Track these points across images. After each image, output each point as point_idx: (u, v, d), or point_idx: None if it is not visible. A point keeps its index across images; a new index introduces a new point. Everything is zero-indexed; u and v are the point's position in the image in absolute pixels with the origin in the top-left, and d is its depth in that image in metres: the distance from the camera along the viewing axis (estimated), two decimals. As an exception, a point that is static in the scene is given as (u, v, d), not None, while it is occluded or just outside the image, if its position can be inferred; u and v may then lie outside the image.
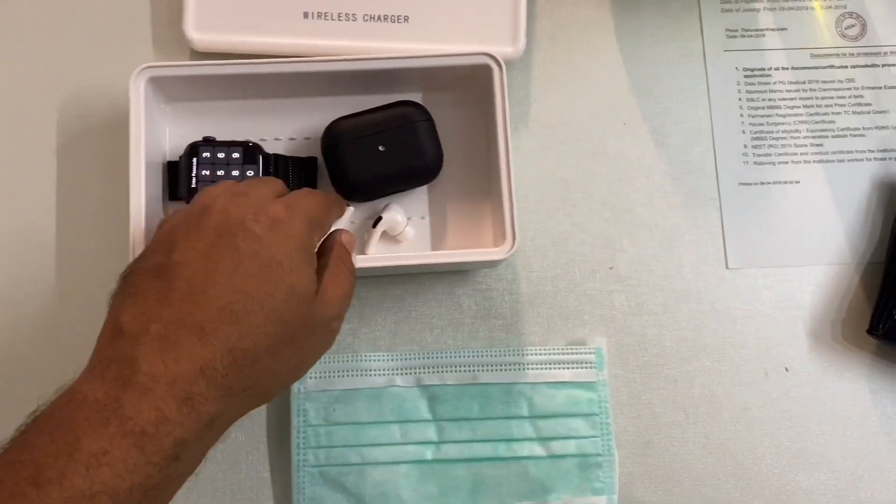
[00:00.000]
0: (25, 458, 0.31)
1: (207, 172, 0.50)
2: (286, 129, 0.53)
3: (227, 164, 0.50)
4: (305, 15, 0.53)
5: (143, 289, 0.36)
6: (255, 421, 0.51)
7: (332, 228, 0.45)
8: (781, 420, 0.53)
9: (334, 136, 0.51)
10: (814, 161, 0.56)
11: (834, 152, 0.56)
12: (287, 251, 0.38)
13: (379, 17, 0.54)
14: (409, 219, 0.53)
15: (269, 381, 0.38)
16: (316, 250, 0.42)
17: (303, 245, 0.39)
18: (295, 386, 0.50)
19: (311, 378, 0.51)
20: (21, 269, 0.52)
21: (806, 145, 0.56)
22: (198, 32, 0.53)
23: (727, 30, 0.58)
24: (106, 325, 0.36)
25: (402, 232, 0.52)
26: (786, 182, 0.56)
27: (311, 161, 0.53)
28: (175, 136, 0.52)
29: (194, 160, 0.50)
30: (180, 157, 0.51)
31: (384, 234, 0.52)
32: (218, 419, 0.36)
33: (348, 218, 0.52)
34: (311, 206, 0.41)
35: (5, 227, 0.53)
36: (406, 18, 0.54)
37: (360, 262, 0.50)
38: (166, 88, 0.51)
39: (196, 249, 0.37)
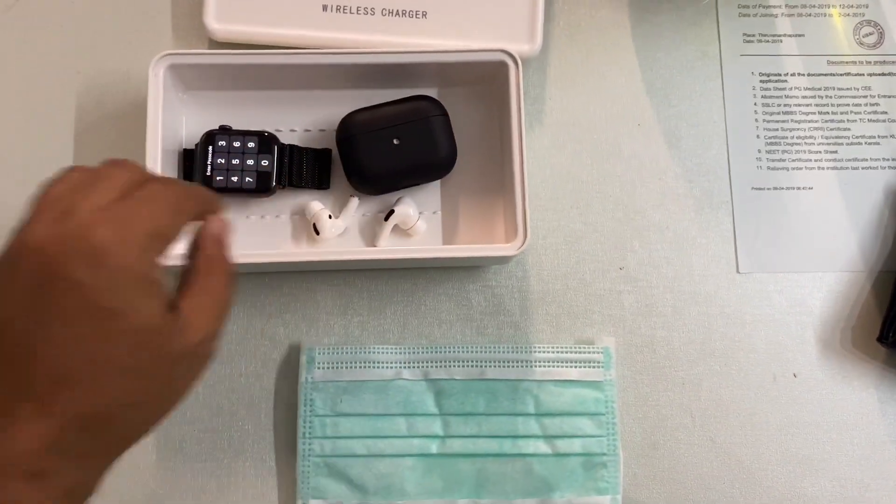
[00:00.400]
0: None
1: (223, 161, 0.50)
2: (302, 120, 0.54)
3: (243, 153, 0.51)
4: (324, 8, 0.54)
5: None
6: (262, 409, 0.52)
7: (201, 221, 0.38)
8: (789, 426, 0.52)
9: (349, 128, 0.51)
10: (828, 168, 0.56)
11: (848, 160, 0.56)
12: (119, 292, 0.31)
13: (397, 12, 0.54)
14: (420, 213, 0.53)
15: (135, 431, 0.34)
16: (180, 255, 0.37)
17: (138, 276, 0.32)
18: (302, 375, 0.51)
19: (318, 368, 0.51)
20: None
21: (820, 152, 0.56)
22: (217, 22, 0.53)
23: (744, 34, 0.58)
24: None
25: (414, 226, 0.53)
26: (799, 188, 0.56)
27: (325, 153, 0.53)
28: (192, 124, 0.53)
29: (210, 148, 0.50)
30: (196, 145, 0.51)
31: (396, 228, 0.53)
32: (79, 488, 0.32)
33: (355, 210, 0.52)
34: (151, 213, 0.33)
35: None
36: (424, 14, 0.54)
37: (371, 254, 0.50)
38: (185, 77, 0.51)
39: (17, 304, 0.31)
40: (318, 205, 0.52)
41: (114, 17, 0.56)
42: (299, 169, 0.52)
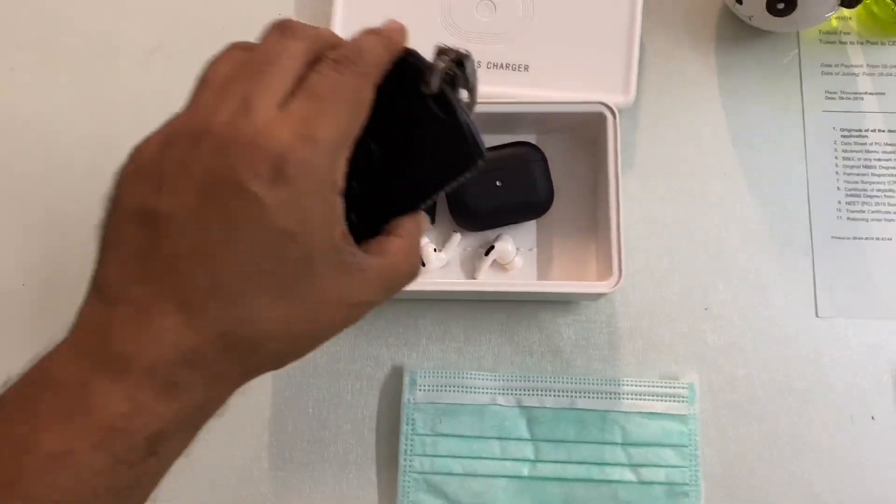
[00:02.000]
0: None
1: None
2: (411, 160, 0.58)
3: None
4: (437, 59, 0.58)
5: (125, 239, 0.29)
6: (366, 425, 0.56)
7: None
8: (866, 465, 0.55)
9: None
10: (906, 220, 0.59)
11: (927, 213, 0.59)
12: (298, 214, 0.28)
13: (502, 66, 0.59)
14: (518, 249, 0.57)
15: (273, 363, 0.31)
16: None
17: (321, 198, 0.29)
18: (405, 396, 0.55)
19: (420, 390, 0.55)
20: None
21: (900, 205, 0.59)
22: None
23: (826, 91, 0.61)
24: (92, 276, 0.30)
25: (512, 261, 0.57)
26: (878, 238, 0.58)
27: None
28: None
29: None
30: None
31: (494, 262, 0.57)
32: (207, 406, 0.30)
33: (458, 244, 0.57)
34: (336, 116, 0.29)
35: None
36: (526, 67, 0.59)
37: (471, 286, 0.54)
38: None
39: (185, 203, 0.28)
40: (423, 239, 0.57)
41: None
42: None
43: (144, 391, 0.27)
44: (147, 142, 0.30)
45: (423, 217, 0.34)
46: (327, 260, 0.29)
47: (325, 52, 0.31)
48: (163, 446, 0.29)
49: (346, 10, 0.59)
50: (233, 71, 0.30)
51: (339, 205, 0.30)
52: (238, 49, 0.31)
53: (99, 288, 0.29)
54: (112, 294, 0.28)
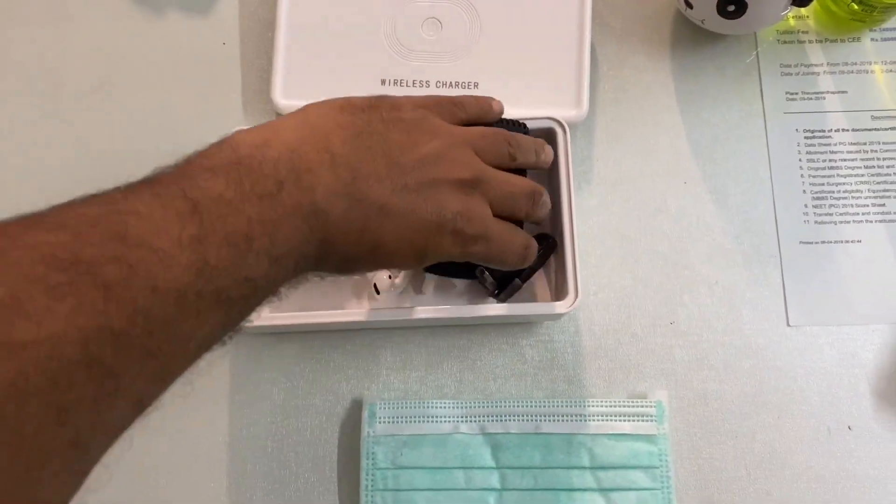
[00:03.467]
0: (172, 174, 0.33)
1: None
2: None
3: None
4: (383, 82, 0.57)
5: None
6: (327, 462, 0.54)
7: None
8: (845, 479, 0.52)
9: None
10: (876, 221, 0.57)
11: (897, 212, 0.57)
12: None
13: (451, 84, 0.57)
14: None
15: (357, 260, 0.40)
16: None
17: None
18: (364, 429, 0.53)
19: (380, 423, 0.53)
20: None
21: (867, 205, 0.57)
22: (284, 98, 0.57)
23: (787, 93, 0.59)
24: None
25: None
26: (847, 241, 0.56)
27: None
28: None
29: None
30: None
31: (443, 282, 0.55)
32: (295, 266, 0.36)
33: (412, 271, 0.55)
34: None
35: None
36: (476, 84, 0.57)
37: (427, 312, 0.53)
38: (254, 149, 0.55)
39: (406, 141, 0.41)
40: (378, 266, 0.55)
41: (190, 96, 0.61)
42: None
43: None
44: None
45: None
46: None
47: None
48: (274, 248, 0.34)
49: (290, 35, 0.58)
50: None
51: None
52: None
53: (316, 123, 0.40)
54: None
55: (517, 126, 0.51)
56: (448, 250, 0.41)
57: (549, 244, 0.53)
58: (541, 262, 0.53)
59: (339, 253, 0.38)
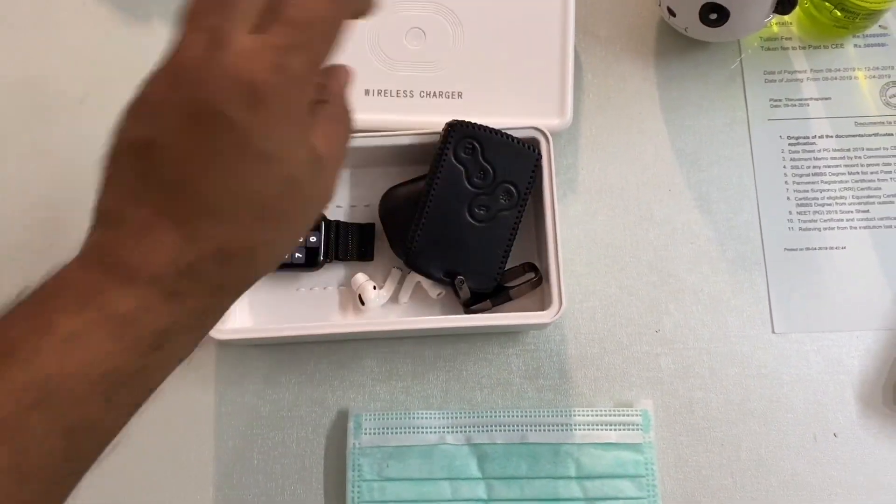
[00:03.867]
0: (1, 335, 0.30)
1: (274, 238, 0.54)
2: (347, 196, 0.57)
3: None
4: (367, 92, 0.57)
5: (122, 169, 0.32)
6: (313, 474, 0.54)
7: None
8: (831, 486, 0.53)
9: (391, 202, 0.55)
10: (860, 227, 0.57)
11: (881, 218, 0.57)
12: (274, 137, 0.31)
13: (434, 94, 0.57)
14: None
15: (265, 268, 0.34)
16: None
17: (294, 121, 0.31)
18: (350, 441, 0.53)
19: (366, 434, 0.53)
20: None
21: (852, 212, 0.57)
22: (268, 109, 0.57)
23: (771, 99, 0.59)
24: (93, 210, 0.33)
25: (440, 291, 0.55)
26: (832, 248, 0.57)
27: (368, 227, 0.56)
28: (245, 203, 0.56)
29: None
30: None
31: (422, 291, 0.55)
32: (210, 311, 0.33)
33: (398, 280, 0.55)
34: (308, 42, 0.31)
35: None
36: (460, 94, 0.57)
37: (412, 323, 0.53)
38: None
39: (174, 129, 0.31)
40: (362, 276, 0.55)
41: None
42: (345, 243, 0.55)
43: (151, 295, 0.30)
44: (144, 82, 0.32)
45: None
46: (302, 176, 0.32)
47: None
48: (168, 342, 0.31)
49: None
50: (208, 5, 0.31)
51: (309, 125, 0.32)
52: None
53: (101, 214, 0.32)
54: (114, 218, 0.31)
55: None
56: None
57: (535, 280, 0.54)
58: (519, 293, 0.54)
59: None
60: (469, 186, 0.52)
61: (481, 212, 0.52)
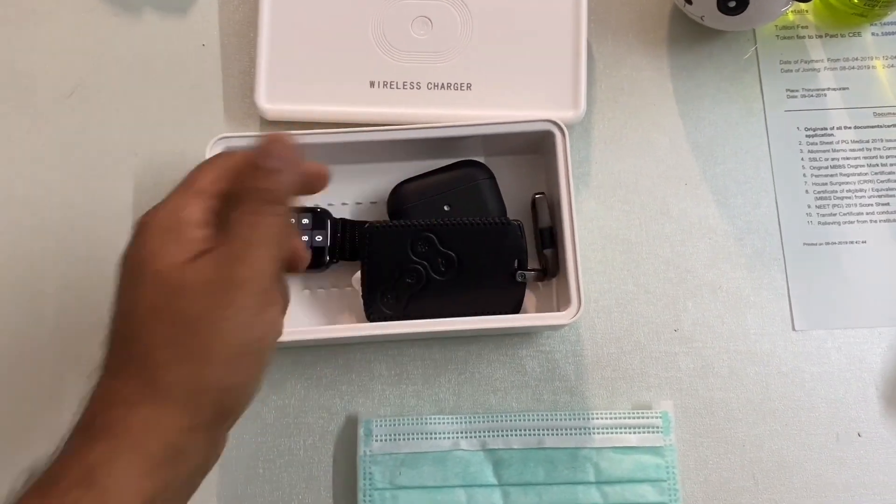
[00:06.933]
0: None
1: (278, 238, 0.51)
2: (353, 193, 0.55)
3: (298, 229, 0.52)
4: (372, 84, 0.55)
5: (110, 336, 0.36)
6: (321, 483, 0.52)
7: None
8: (856, 486, 0.51)
9: (400, 198, 0.52)
10: (881, 220, 0.55)
11: (901, 211, 0.56)
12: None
13: (442, 86, 0.55)
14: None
15: (247, 403, 0.36)
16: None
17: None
18: (361, 448, 0.51)
19: (376, 441, 0.51)
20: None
21: (872, 204, 0.56)
22: (269, 103, 0.55)
23: (787, 90, 0.58)
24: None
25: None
26: (852, 242, 0.55)
27: (376, 225, 0.54)
28: (245, 201, 0.54)
29: (265, 226, 0.51)
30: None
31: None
32: (205, 463, 0.37)
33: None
34: (267, 250, 0.35)
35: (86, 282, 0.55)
36: (469, 86, 0.55)
37: (423, 326, 0.50)
38: (239, 157, 0.52)
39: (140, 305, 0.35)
40: (371, 276, 0.53)
41: (169, 100, 0.58)
42: (352, 242, 0.53)
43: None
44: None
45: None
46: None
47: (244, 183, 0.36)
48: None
49: (273, 35, 0.56)
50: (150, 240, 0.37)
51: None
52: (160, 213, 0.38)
53: (97, 394, 0.35)
54: (108, 399, 0.34)
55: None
56: None
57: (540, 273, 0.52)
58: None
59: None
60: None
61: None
